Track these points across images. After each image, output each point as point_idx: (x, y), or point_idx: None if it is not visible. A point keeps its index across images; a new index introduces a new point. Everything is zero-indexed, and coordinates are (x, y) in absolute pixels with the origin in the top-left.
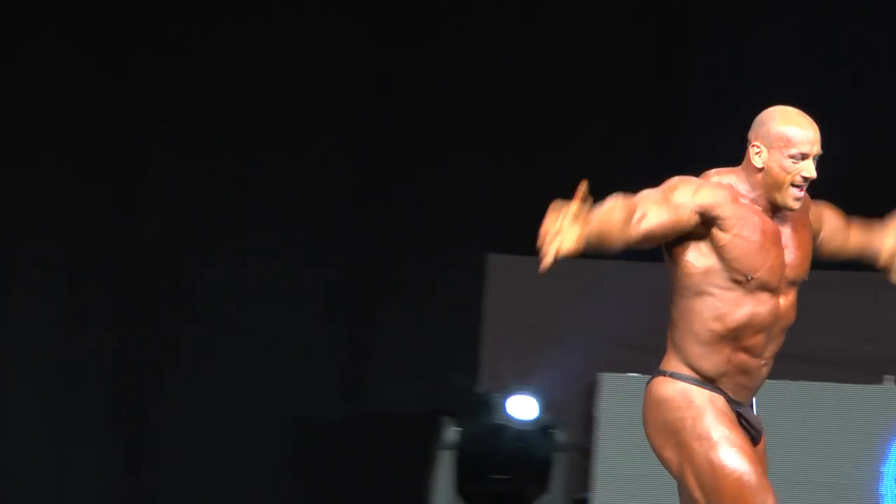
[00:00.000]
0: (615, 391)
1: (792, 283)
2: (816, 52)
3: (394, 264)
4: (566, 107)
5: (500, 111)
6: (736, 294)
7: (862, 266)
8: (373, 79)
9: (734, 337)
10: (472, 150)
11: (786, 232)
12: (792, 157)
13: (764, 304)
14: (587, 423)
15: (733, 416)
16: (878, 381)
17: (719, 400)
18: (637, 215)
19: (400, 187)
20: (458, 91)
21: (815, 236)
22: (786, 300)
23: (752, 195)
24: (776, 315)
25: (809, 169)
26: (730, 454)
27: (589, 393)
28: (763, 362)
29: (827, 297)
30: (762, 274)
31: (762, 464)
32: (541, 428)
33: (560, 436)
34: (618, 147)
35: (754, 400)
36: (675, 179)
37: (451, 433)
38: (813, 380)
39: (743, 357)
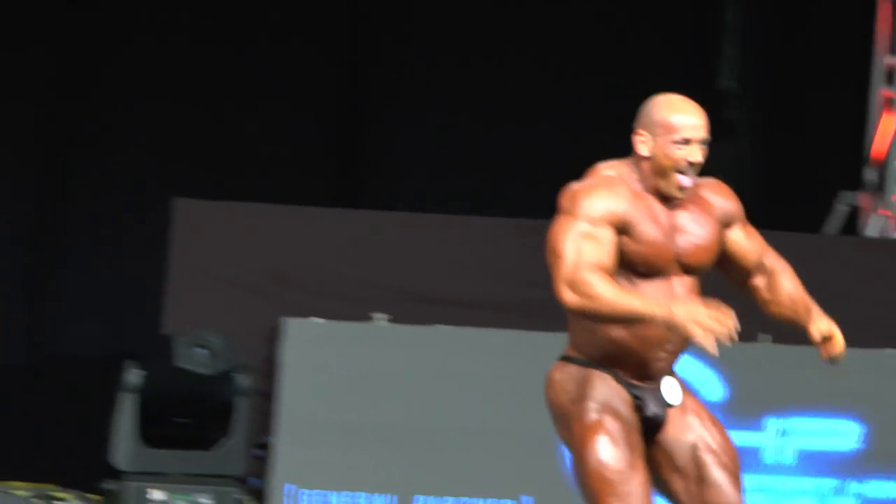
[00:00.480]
0: (298, 336)
1: (688, 270)
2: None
3: (80, 205)
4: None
5: (183, 60)
6: (624, 278)
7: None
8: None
9: (625, 324)
10: (165, 99)
11: (682, 216)
12: (676, 142)
13: (656, 288)
14: (270, 367)
15: (623, 399)
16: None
17: (607, 383)
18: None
19: (91, 128)
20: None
21: (727, 228)
22: (682, 285)
23: (643, 184)
24: (671, 296)
25: (694, 154)
26: (597, 443)
27: (272, 338)
28: (661, 355)
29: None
30: (649, 260)
31: (639, 450)
32: (223, 372)
33: (243, 380)
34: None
35: (668, 384)
36: (577, 195)
37: (134, 376)
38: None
39: (637, 347)
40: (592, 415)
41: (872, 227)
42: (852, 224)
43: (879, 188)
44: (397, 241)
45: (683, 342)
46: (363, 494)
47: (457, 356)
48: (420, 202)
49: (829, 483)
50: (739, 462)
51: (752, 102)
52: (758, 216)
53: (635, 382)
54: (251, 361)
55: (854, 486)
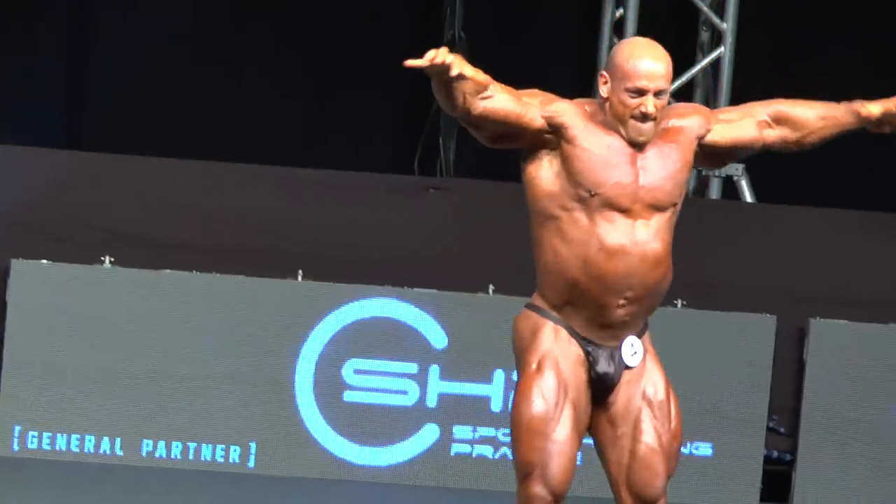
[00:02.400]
0: (25, 277)
1: (652, 207)
2: None
3: None
4: None
5: None
6: (583, 214)
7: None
8: None
9: (582, 262)
10: None
11: (647, 154)
12: (628, 90)
13: (615, 227)
14: (3, 309)
15: (571, 353)
16: (294, 276)
17: (559, 335)
18: (486, 93)
19: None
20: None
21: (701, 149)
22: (646, 228)
23: (608, 122)
24: (632, 241)
25: (647, 104)
26: (528, 394)
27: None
28: (621, 301)
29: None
30: (607, 190)
31: (574, 407)
32: None
33: None
34: None
35: (630, 343)
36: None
37: None
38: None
39: (595, 288)
40: (532, 366)
41: None
42: None
43: None
44: (128, 185)
45: (644, 291)
46: (90, 437)
47: (183, 301)
48: (153, 147)
49: None
50: (679, 446)
51: (479, 53)
52: (484, 168)
53: (593, 338)
54: None
55: None
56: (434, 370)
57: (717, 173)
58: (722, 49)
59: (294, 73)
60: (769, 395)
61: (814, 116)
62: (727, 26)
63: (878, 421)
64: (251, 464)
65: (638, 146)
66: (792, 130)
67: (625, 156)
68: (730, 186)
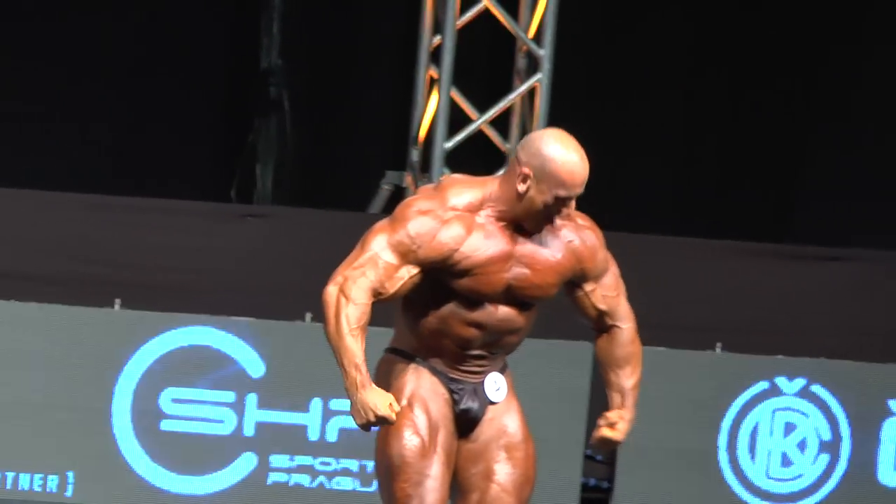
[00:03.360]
0: None
1: (517, 302)
2: None
3: None
4: None
5: None
6: (449, 297)
7: None
8: None
9: (439, 325)
10: None
11: (526, 247)
12: (559, 198)
13: (481, 311)
14: None
15: (436, 391)
16: (110, 304)
17: (421, 374)
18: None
19: None
20: None
21: (582, 276)
22: (507, 312)
23: (499, 210)
24: (491, 317)
25: (571, 205)
26: (397, 431)
27: None
28: (475, 353)
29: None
30: (474, 295)
31: (444, 443)
32: None
33: None
34: None
35: (492, 380)
36: (401, 212)
37: None
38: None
39: (449, 341)
40: (402, 403)
41: None
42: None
43: (424, 169)
44: None
45: (502, 340)
46: None
47: (0, 330)
48: None
49: (372, 463)
50: (530, 492)
51: (297, 81)
52: (302, 196)
53: (456, 376)
54: None
55: None
56: (251, 398)
57: None
58: (539, 75)
59: (107, 100)
60: (586, 422)
61: (616, 355)
62: (544, 53)
63: (696, 448)
64: (69, 493)
65: (523, 234)
66: (606, 343)
67: (500, 259)
68: None
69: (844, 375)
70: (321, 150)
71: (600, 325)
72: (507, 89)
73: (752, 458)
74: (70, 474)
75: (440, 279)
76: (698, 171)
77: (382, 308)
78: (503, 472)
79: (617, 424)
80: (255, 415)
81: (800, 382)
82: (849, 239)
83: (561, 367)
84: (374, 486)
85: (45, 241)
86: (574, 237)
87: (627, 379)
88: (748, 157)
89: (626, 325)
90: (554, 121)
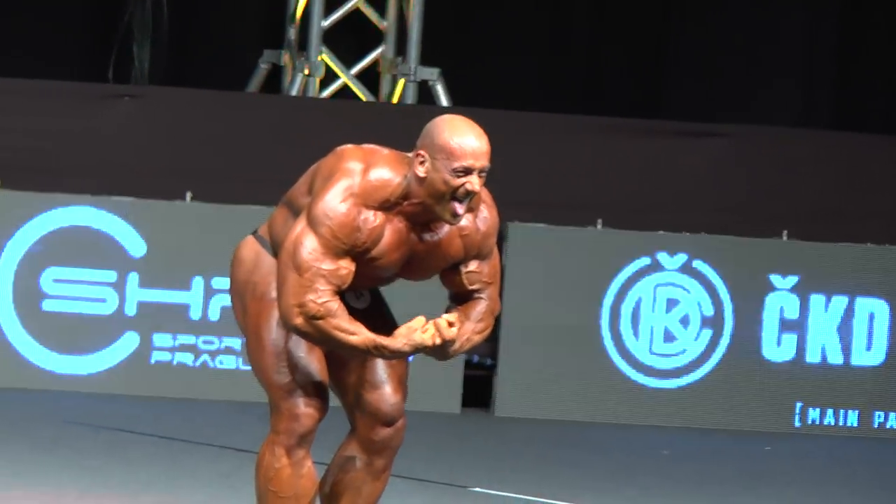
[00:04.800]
0: None
1: (403, 277)
2: None
3: None
4: None
5: None
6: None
7: None
8: None
9: None
10: None
11: (424, 242)
12: (455, 170)
13: (370, 276)
14: None
15: None
16: None
17: None
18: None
19: None
20: None
21: (464, 259)
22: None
23: (412, 205)
24: (379, 280)
25: (473, 183)
26: (272, 319)
27: None
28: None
29: None
30: (370, 268)
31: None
32: None
33: None
34: None
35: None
36: (321, 217)
37: None
38: None
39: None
40: (272, 293)
41: (295, 85)
42: (275, 83)
43: (302, 47)
44: None
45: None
46: None
47: None
48: None
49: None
50: (403, 368)
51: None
52: (179, 75)
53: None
54: None
55: None
56: (133, 278)
57: (412, 77)
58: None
59: None
60: None
61: (474, 311)
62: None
63: (578, 325)
64: None
65: (424, 228)
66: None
67: (398, 248)
68: (425, 91)
69: (726, 250)
70: (197, 28)
71: (462, 297)
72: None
73: (636, 334)
74: None
75: None
76: (570, 47)
77: (219, 183)
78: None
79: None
80: (137, 294)
81: (681, 258)
82: (715, 115)
83: None
84: None
85: None
86: (468, 224)
87: (472, 322)
88: (618, 35)
89: (486, 303)
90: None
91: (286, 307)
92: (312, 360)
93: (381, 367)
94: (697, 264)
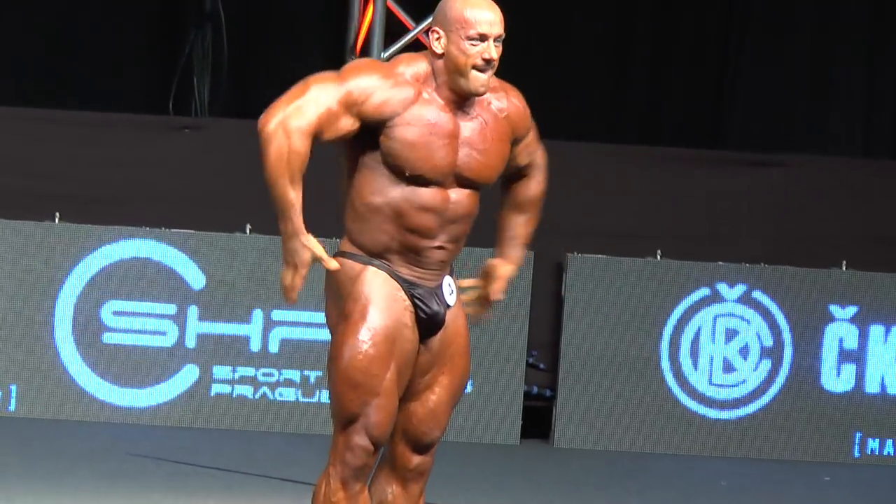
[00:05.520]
0: None
1: (466, 183)
2: None
3: None
4: None
5: None
6: (399, 179)
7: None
8: None
9: (395, 214)
10: None
11: (469, 128)
12: (470, 38)
13: (427, 191)
14: None
15: (396, 297)
16: (50, 218)
17: (381, 279)
18: (315, 135)
19: None
20: None
21: (515, 141)
22: (458, 195)
23: (437, 84)
24: (444, 202)
25: (490, 50)
26: (353, 342)
27: None
28: (436, 244)
29: None
30: (424, 173)
31: (401, 353)
32: None
33: None
34: None
35: (447, 283)
36: (350, 66)
37: None
38: None
39: (410, 237)
40: (356, 314)
41: None
42: None
43: None
44: None
45: (455, 238)
46: None
47: None
48: None
49: (314, 374)
50: (460, 394)
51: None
52: (239, 107)
53: (413, 279)
54: None
55: None
56: (192, 310)
57: None
58: None
59: (46, 14)
60: (528, 330)
61: (521, 198)
62: None
63: (637, 356)
64: (11, 407)
65: (467, 113)
66: (512, 195)
67: (445, 135)
68: None
69: (785, 281)
70: (257, 60)
71: (517, 175)
72: None
73: (695, 364)
74: (13, 388)
75: (387, 159)
76: (630, 78)
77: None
78: (444, 382)
79: (496, 284)
80: (197, 326)
81: (741, 289)
82: (778, 145)
83: None
84: (317, 397)
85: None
86: (505, 105)
87: (523, 227)
88: (679, 63)
89: (540, 174)
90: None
91: (270, 108)
92: (385, 398)
93: (433, 399)
94: (757, 295)
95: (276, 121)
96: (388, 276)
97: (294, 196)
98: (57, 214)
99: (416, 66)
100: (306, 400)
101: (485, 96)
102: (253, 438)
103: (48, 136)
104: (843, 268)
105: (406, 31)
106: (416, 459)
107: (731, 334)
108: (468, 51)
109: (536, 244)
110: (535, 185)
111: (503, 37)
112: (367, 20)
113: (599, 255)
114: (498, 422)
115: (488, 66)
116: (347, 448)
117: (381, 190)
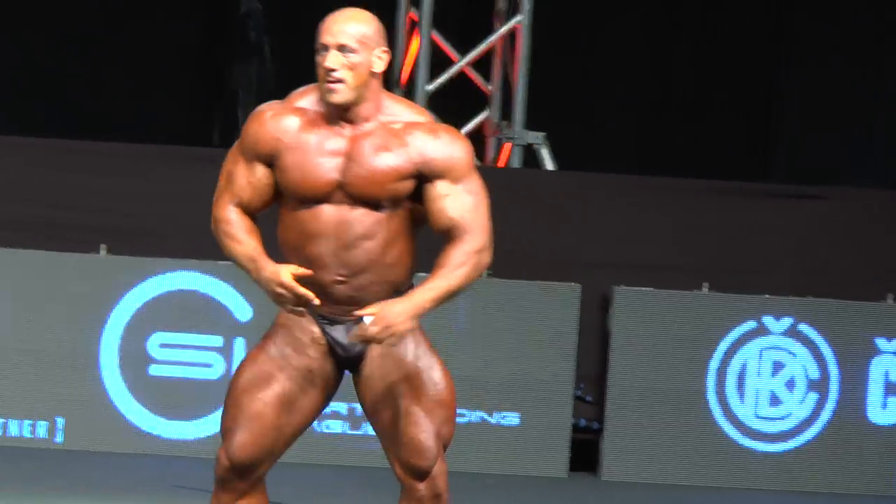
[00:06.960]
0: None
1: (357, 200)
2: None
3: None
4: None
5: None
6: (292, 204)
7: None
8: None
9: (295, 246)
10: None
11: (357, 143)
12: (317, 50)
13: (317, 212)
14: None
15: (308, 331)
16: (95, 250)
17: (296, 317)
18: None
19: None
20: None
21: (422, 176)
22: (353, 214)
23: (325, 104)
24: (338, 224)
25: (329, 60)
26: (242, 365)
27: None
28: (335, 276)
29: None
30: (303, 188)
31: (293, 383)
32: None
33: None
34: None
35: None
36: (247, 122)
37: None
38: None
39: (311, 269)
40: (261, 342)
41: None
42: None
43: None
44: None
45: (358, 270)
46: None
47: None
48: None
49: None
50: (448, 413)
51: (276, 24)
52: None
53: (333, 315)
54: None
55: None
56: (239, 343)
57: (517, 141)
58: (520, 17)
59: (85, 41)
60: (575, 363)
61: (442, 258)
62: None
63: (684, 388)
64: (58, 439)
65: (358, 131)
66: (446, 241)
67: (328, 153)
68: (530, 154)
69: (831, 314)
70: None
71: (446, 237)
72: (488, 31)
73: (741, 397)
74: (59, 420)
75: (283, 189)
76: (675, 110)
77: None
78: (413, 410)
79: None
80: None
81: (787, 322)
82: (827, 177)
83: (549, 308)
84: (363, 429)
85: (28, 187)
86: (414, 130)
87: (436, 276)
88: (723, 95)
89: (468, 248)
90: (535, 62)
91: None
92: (254, 417)
93: (410, 429)
94: (803, 328)
95: (212, 220)
96: (307, 311)
97: (249, 249)
98: (104, 247)
99: (305, 93)
100: (353, 432)
101: (394, 121)
102: (300, 470)
103: (94, 168)
104: (890, 301)
105: (451, 63)
106: (420, 485)
107: (777, 367)
108: (318, 62)
109: (582, 277)
110: (454, 252)
111: (351, 48)
112: (413, 53)
113: (646, 288)
114: (546, 455)
115: (329, 75)
116: (217, 457)
117: (284, 223)
